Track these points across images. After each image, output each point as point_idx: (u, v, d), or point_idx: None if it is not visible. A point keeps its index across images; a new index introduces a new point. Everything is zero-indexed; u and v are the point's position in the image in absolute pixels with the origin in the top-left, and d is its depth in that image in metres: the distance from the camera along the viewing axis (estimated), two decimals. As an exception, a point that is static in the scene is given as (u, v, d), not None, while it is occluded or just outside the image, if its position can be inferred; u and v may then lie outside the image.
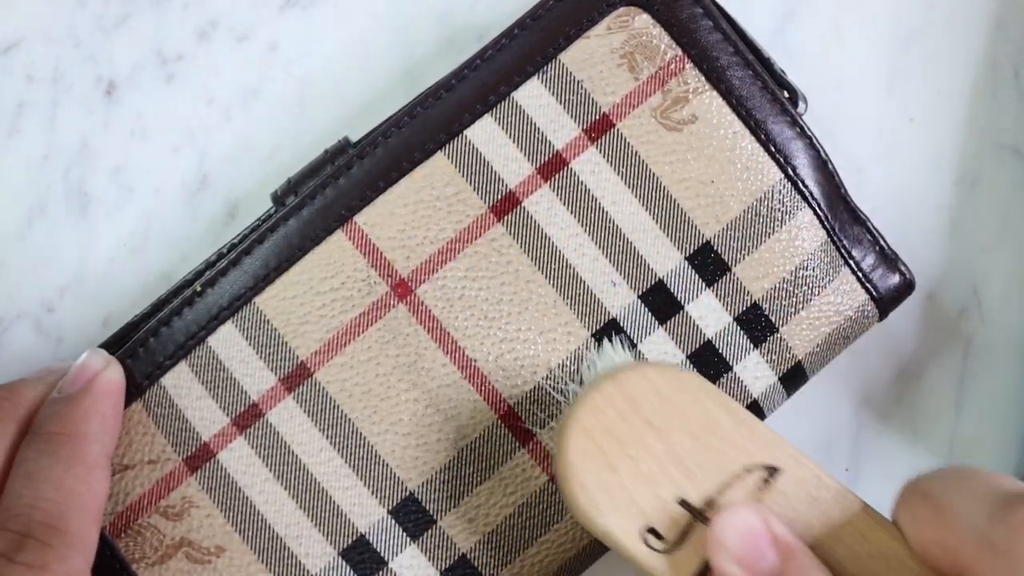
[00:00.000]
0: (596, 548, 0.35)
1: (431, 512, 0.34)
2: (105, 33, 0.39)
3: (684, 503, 0.29)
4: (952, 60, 0.40)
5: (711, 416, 0.30)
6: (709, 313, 0.34)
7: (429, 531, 0.34)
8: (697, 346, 0.35)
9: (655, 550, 0.29)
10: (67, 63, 0.39)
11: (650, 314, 0.34)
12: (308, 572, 0.34)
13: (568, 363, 0.34)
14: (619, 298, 0.34)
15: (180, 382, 0.34)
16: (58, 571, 0.30)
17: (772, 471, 0.30)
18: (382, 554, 0.34)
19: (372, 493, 0.34)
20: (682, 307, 0.34)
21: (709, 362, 0.35)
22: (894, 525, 0.29)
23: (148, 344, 0.34)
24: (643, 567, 0.29)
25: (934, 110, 0.40)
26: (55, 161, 0.39)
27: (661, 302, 0.34)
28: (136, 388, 0.34)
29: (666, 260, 0.34)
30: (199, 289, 0.34)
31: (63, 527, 0.31)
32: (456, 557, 0.34)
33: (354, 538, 0.34)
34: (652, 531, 0.29)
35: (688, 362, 0.35)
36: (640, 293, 0.34)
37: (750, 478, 0.30)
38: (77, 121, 0.39)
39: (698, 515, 0.29)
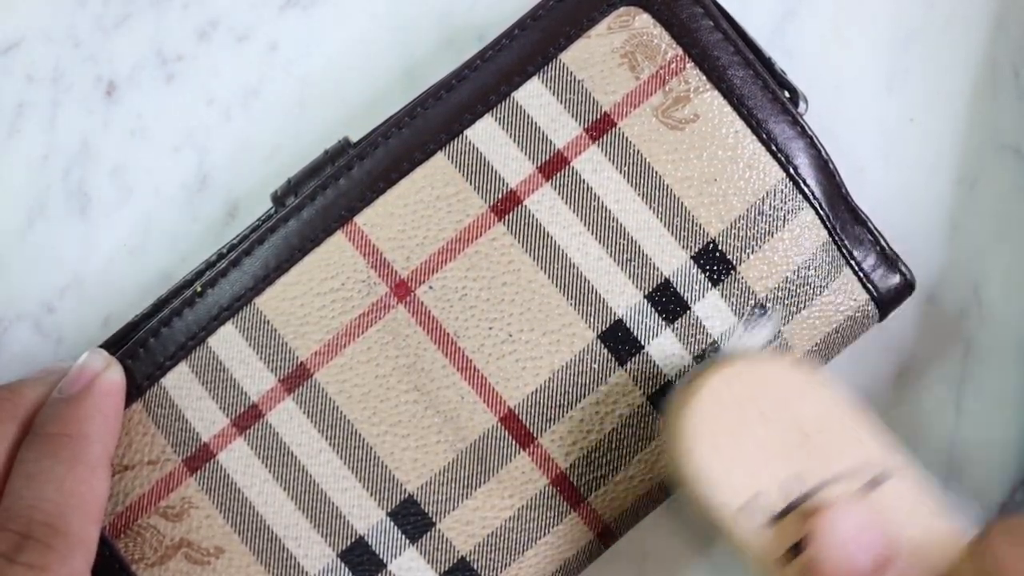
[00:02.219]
0: (595, 549, 0.34)
1: (430, 514, 0.33)
2: (105, 33, 0.39)
3: (786, 490, 0.30)
4: (952, 60, 0.40)
5: (828, 415, 0.31)
6: (715, 313, 0.34)
7: (428, 533, 0.33)
8: (703, 347, 0.34)
9: (751, 526, 0.30)
10: (67, 63, 0.39)
11: (657, 315, 0.34)
12: (307, 573, 0.33)
13: (572, 365, 0.33)
14: (625, 298, 0.34)
15: (180, 383, 0.33)
16: (59, 572, 0.29)
17: (879, 476, 0.30)
18: (381, 556, 0.33)
19: (371, 495, 0.33)
20: (689, 307, 0.34)
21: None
22: (983, 551, 0.29)
23: (148, 344, 0.33)
24: (737, 540, 0.30)
25: (934, 110, 0.40)
26: (55, 161, 0.39)
27: (668, 302, 0.34)
28: (136, 388, 0.33)
29: (672, 259, 0.34)
30: (199, 290, 0.34)
31: (64, 528, 0.30)
32: (455, 560, 0.33)
33: (353, 540, 0.33)
34: (751, 506, 0.30)
35: (695, 364, 0.34)
36: (646, 293, 0.34)
37: (855, 479, 0.30)
38: (77, 121, 0.39)
39: (798, 503, 0.30)
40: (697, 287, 0.34)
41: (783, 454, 0.30)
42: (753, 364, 0.31)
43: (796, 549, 0.30)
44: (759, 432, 0.30)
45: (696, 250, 0.34)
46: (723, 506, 0.30)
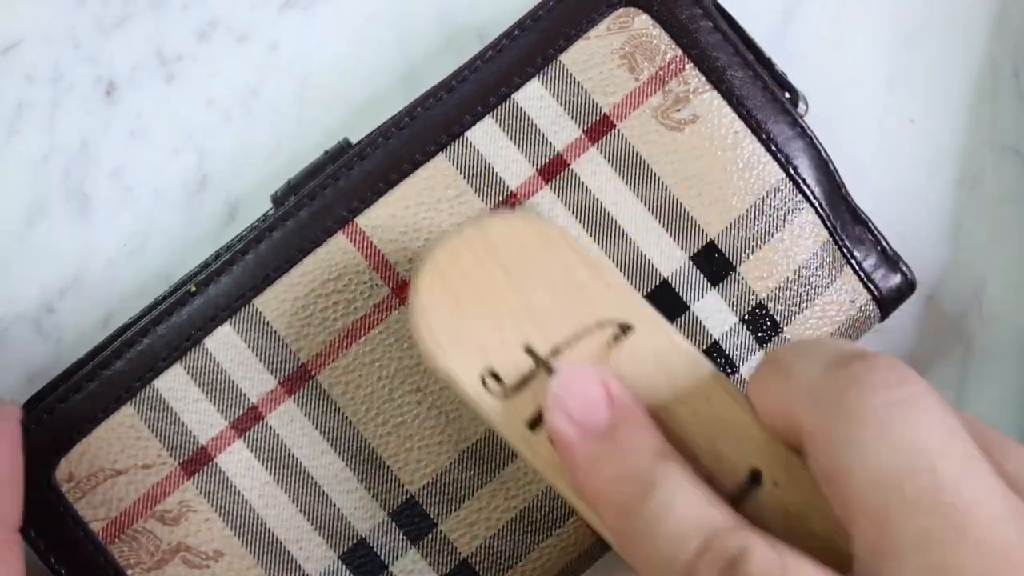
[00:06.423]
0: (598, 548, 0.34)
1: (432, 516, 0.32)
2: (105, 33, 0.38)
3: (529, 351, 0.28)
4: (952, 60, 0.39)
5: (571, 268, 0.29)
6: (715, 313, 0.33)
7: (430, 535, 0.32)
8: (703, 348, 0.33)
9: (493, 394, 0.28)
10: (67, 63, 0.38)
11: None
12: (308, 576, 0.32)
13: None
14: None
15: (175, 384, 0.32)
16: None
17: (624, 328, 0.28)
18: (383, 558, 0.32)
19: (373, 496, 0.32)
20: (688, 307, 0.33)
21: (715, 364, 0.33)
22: (745, 397, 0.28)
23: (139, 345, 0.32)
24: (480, 410, 0.28)
25: (934, 110, 0.39)
26: (55, 161, 0.38)
27: (667, 303, 0.33)
28: (126, 390, 0.32)
29: (670, 260, 0.33)
30: (193, 289, 0.33)
31: None
32: (457, 562, 0.32)
33: (354, 542, 0.32)
34: (494, 376, 0.28)
35: None
36: (645, 294, 0.33)
37: (601, 333, 0.28)
38: (77, 121, 0.38)
39: (541, 363, 0.28)
40: (697, 287, 0.33)
41: (528, 311, 0.28)
42: (495, 219, 0.29)
43: (540, 419, 0.28)
44: (503, 288, 0.28)
45: (695, 251, 0.33)
46: (464, 380, 0.28)
